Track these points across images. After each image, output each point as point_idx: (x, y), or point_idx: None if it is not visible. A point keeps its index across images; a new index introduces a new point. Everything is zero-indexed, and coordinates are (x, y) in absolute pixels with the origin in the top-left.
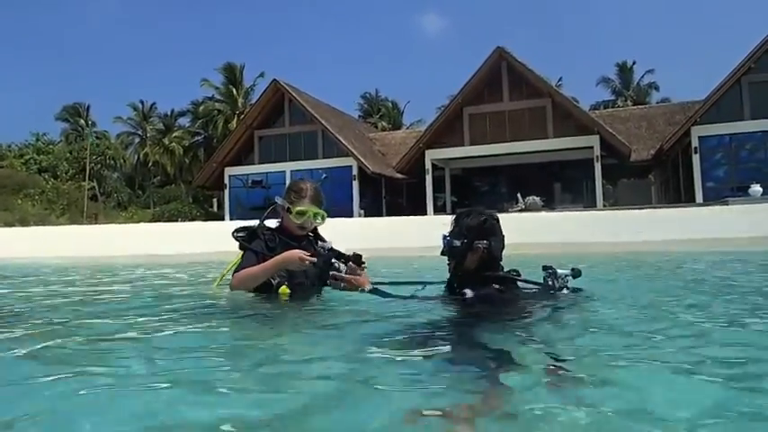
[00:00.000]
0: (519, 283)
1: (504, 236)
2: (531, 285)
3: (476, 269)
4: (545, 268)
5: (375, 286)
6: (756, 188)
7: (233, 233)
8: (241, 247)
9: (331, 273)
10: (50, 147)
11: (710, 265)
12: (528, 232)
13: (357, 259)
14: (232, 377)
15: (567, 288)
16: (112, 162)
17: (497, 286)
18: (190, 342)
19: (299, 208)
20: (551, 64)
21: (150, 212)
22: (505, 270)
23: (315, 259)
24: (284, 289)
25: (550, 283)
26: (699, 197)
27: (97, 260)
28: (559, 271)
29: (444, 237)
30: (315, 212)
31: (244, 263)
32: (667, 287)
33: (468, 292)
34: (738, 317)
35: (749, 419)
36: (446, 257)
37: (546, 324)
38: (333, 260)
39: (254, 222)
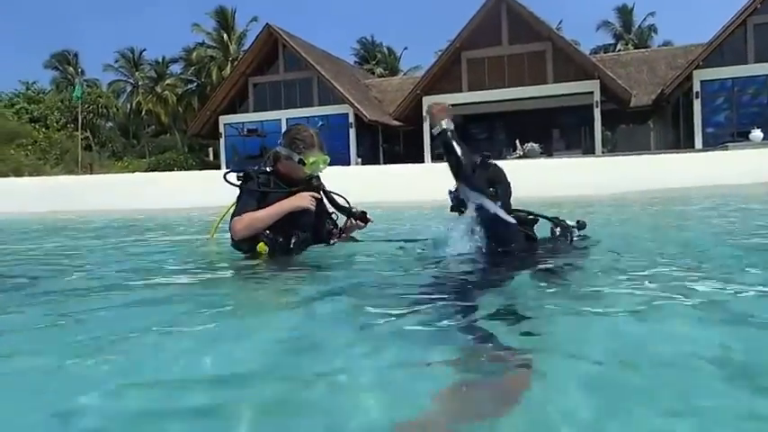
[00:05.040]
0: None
1: (509, 182)
2: (548, 221)
3: None
4: (551, 219)
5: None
6: (757, 133)
7: (224, 176)
8: (240, 190)
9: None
10: (41, 96)
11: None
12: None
13: (362, 216)
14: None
15: (574, 239)
16: (105, 111)
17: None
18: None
19: (312, 159)
20: (550, 7)
21: (146, 162)
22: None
23: (320, 196)
24: (262, 246)
25: (558, 232)
26: (698, 143)
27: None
28: (566, 222)
29: (450, 192)
30: (324, 159)
31: (242, 207)
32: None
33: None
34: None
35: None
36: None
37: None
38: (334, 213)
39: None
